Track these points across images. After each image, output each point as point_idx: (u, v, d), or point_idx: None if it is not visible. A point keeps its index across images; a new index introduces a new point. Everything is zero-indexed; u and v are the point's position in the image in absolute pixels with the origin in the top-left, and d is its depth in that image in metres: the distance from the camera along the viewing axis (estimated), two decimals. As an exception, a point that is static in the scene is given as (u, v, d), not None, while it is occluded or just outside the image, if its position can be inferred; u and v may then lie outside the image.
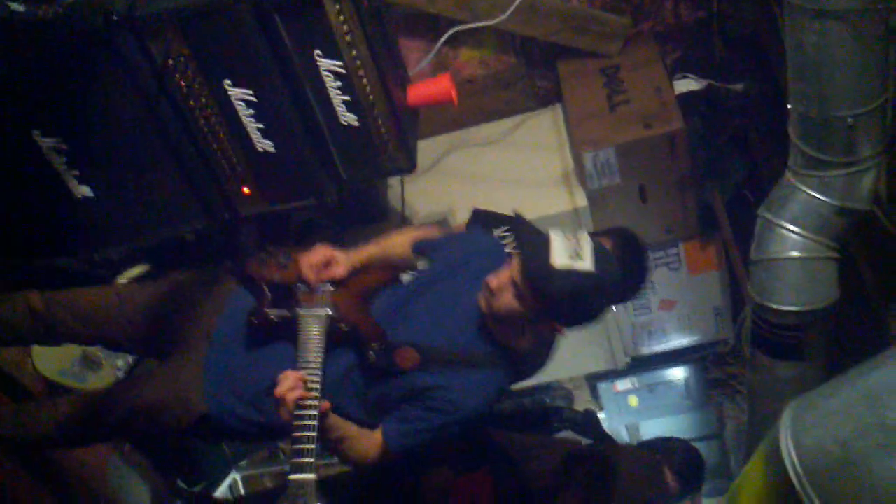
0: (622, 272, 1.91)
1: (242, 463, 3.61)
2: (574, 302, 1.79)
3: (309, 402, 1.69)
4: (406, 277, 2.17)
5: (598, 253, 1.80)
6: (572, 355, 3.80)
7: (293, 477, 1.59)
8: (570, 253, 1.76)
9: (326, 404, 1.73)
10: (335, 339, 1.90)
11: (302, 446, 1.63)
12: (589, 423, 3.02)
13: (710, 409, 4.63)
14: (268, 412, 1.89)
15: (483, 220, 2.36)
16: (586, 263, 1.76)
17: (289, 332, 1.91)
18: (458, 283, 2.02)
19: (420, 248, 2.18)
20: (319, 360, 1.81)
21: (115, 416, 2.07)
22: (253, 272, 2.05)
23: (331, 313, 1.94)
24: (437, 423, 1.90)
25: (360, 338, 1.93)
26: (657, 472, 2.39)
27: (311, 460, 1.61)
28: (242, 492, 3.64)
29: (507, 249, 2.06)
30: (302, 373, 1.73)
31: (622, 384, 4.36)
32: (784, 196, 2.45)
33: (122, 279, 2.65)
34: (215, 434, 2.11)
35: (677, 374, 4.38)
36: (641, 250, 2.28)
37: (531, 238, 1.83)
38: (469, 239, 2.19)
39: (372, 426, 1.93)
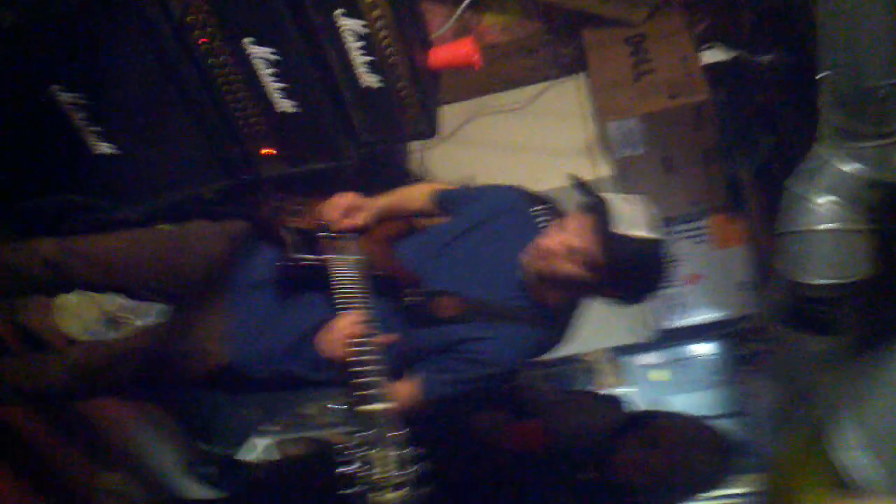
0: None
1: (267, 427, 3.63)
2: (645, 270, 1.77)
3: (367, 340, 1.65)
4: (428, 227, 2.13)
5: (659, 218, 1.79)
6: (596, 328, 3.77)
7: (362, 409, 1.48)
8: (645, 223, 1.74)
9: (393, 336, 1.71)
10: (368, 284, 1.85)
11: (365, 379, 1.55)
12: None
13: (737, 386, 4.58)
14: (299, 360, 1.88)
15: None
16: (659, 232, 1.75)
17: (317, 278, 1.85)
18: (491, 234, 1.98)
19: (441, 198, 2.13)
20: (366, 300, 1.76)
21: (132, 365, 2.05)
22: (268, 219, 2.03)
23: (359, 257, 1.90)
24: (473, 374, 1.87)
25: (394, 284, 1.88)
26: (715, 445, 2.34)
27: (378, 391, 1.53)
28: (269, 456, 3.66)
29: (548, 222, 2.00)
30: (355, 316, 1.69)
31: (647, 358, 4.33)
32: (813, 168, 2.39)
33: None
34: (236, 387, 2.05)
35: (705, 349, 4.33)
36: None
37: (598, 206, 1.77)
38: (493, 193, 2.13)
39: (399, 376, 1.87)
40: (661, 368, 4.44)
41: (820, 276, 2.46)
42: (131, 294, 2.21)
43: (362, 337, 1.65)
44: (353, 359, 1.60)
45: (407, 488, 1.37)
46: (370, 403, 1.49)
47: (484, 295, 1.90)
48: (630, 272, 1.76)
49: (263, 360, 1.94)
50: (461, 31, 3.22)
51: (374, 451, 1.40)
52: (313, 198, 2.11)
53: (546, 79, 3.46)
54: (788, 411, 3.02)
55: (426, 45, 2.61)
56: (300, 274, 1.90)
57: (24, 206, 2.42)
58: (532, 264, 1.86)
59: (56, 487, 2.58)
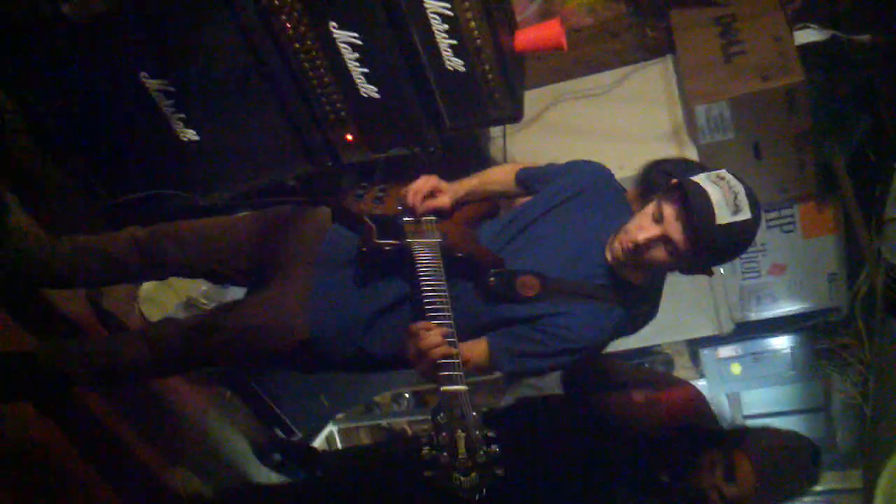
0: None
1: (340, 416, 3.63)
2: (734, 249, 1.79)
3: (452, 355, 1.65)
4: (512, 208, 2.12)
5: (749, 194, 1.74)
6: (676, 319, 3.69)
7: (446, 388, 1.54)
8: (731, 206, 1.70)
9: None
10: (449, 265, 1.85)
11: (449, 360, 1.60)
12: None
13: (816, 381, 4.45)
14: (375, 336, 1.91)
15: None
16: (746, 212, 1.71)
17: (398, 261, 1.88)
18: (574, 212, 1.96)
19: (525, 177, 2.11)
20: (445, 288, 1.76)
21: (214, 339, 2.05)
22: (350, 206, 2.02)
23: (441, 241, 1.90)
24: (551, 349, 1.84)
25: (476, 264, 1.88)
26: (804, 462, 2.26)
27: (460, 373, 1.57)
28: (339, 444, 3.67)
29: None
30: (443, 328, 1.67)
31: (725, 351, 4.22)
32: (925, 150, 2.29)
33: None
34: (313, 363, 2.06)
35: (783, 342, 4.21)
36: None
37: (691, 196, 1.72)
38: (577, 170, 2.09)
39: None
40: (739, 360, 4.33)
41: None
42: (218, 278, 2.23)
43: (449, 353, 1.64)
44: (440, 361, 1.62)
45: (486, 470, 1.40)
46: (454, 384, 1.54)
47: (566, 274, 1.89)
48: (719, 256, 1.81)
49: (341, 334, 1.95)
50: (546, 14, 3.16)
51: (457, 432, 1.43)
52: (396, 184, 2.10)
53: (632, 62, 3.39)
54: (888, 407, 2.91)
55: (512, 27, 2.56)
56: (381, 258, 1.91)
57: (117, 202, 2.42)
58: (619, 248, 1.84)
59: (127, 477, 2.58)
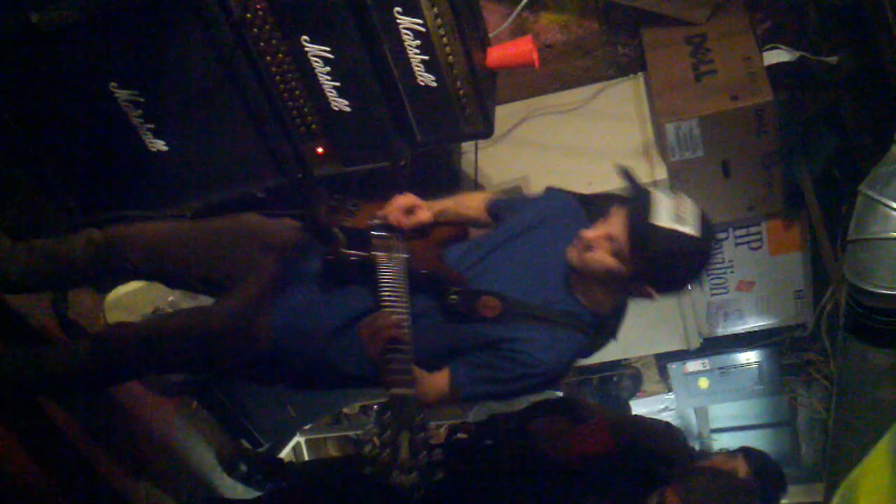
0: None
1: (307, 427, 3.61)
2: (673, 263, 1.76)
3: (403, 341, 1.71)
4: (479, 233, 2.13)
5: (702, 217, 1.76)
6: (644, 334, 3.72)
7: (395, 391, 1.60)
8: (675, 214, 1.72)
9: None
10: (413, 282, 1.87)
11: (398, 365, 1.66)
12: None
13: (782, 396, 4.51)
14: (338, 347, 1.90)
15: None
16: (689, 226, 1.72)
17: (363, 274, 1.89)
18: (538, 239, 1.98)
19: (495, 207, 2.13)
20: (405, 301, 1.79)
21: (170, 343, 2.03)
22: (322, 218, 2.01)
23: (406, 256, 1.91)
24: (511, 374, 1.85)
25: (439, 282, 1.89)
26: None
27: (409, 377, 1.64)
28: (306, 455, 3.65)
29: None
30: (398, 317, 1.74)
31: (693, 365, 4.26)
32: (890, 172, 2.31)
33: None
34: (273, 375, 2.07)
35: (750, 357, 4.26)
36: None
37: (637, 194, 1.78)
38: (547, 199, 2.14)
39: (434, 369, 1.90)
40: (707, 375, 4.37)
41: (887, 286, 2.38)
42: (178, 283, 2.21)
43: (400, 337, 1.71)
44: (389, 354, 1.69)
45: (427, 472, 1.47)
46: (402, 388, 1.61)
47: (528, 297, 1.89)
48: (660, 263, 1.76)
49: (305, 344, 1.94)
50: (518, 30, 3.17)
51: (401, 432, 1.50)
52: (369, 200, 2.11)
53: (604, 79, 3.42)
54: (849, 424, 2.94)
55: (484, 44, 2.57)
56: (347, 268, 1.92)
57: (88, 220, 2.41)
58: (576, 257, 1.85)
59: (90, 491, 2.55)
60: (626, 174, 1.87)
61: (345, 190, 2.22)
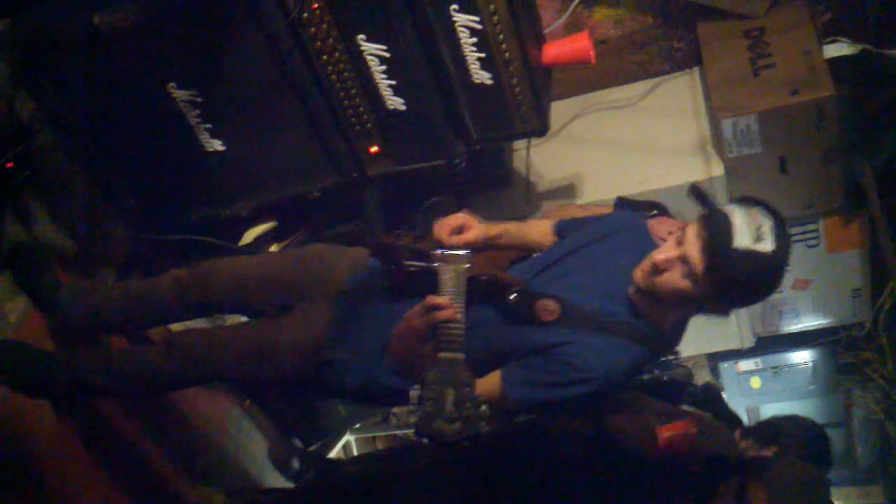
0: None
1: (357, 426, 3.63)
2: (751, 284, 1.71)
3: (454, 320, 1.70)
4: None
5: (778, 231, 1.69)
6: (697, 332, 3.64)
7: (442, 355, 1.61)
8: (753, 234, 1.67)
9: None
10: (473, 288, 1.83)
11: (447, 334, 1.65)
12: (710, 397, 2.90)
13: (836, 396, 4.42)
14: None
15: (628, 204, 2.25)
16: (768, 244, 1.67)
17: (426, 286, 1.84)
18: (601, 251, 1.95)
19: (562, 228, 2.10)
20: (462, 300, 1.76)
21: (238, 351, 2.09)
22: (388, 241, 2.03)
23: (469, 265, 1.87)
24: (563, 378, 1.81)
25: (499, 286, 1.88)
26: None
27: (460, 342, 1.64)
28: (355, 453, 3.67)
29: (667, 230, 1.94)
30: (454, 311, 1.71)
31: (745, 364, 4.20)
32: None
33: (250, 235, 2.67)
34: (331, 389, 2.11)
35: (804, 356, 4.19)
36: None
37: (712, 216, 1.72)
38: (610, 216, 2.12)
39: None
40: (760, 374, 4.30)
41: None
42: (257, 313, 2.24)
43: (451, 316, 1.70)
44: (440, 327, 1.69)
45: (471, 422, 1.49)
46: (452, 351, 1.62)
47: (587, 305, 1.86)
48: (738, 287, 1.71)
49: (360, 358, 1.96)
50: (573, 26, 3.16)
51: (446, 388, 1.52)
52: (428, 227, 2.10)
53: (658, 74, 3.38)
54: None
55: (539, 40, 2.55)
56: (409, 279, 1.91)
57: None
58: (644, 279, 1.81)
59: (144, 486, 2.60)
60: (699, 194, 1.84)
61: (411, 226, 2.23)
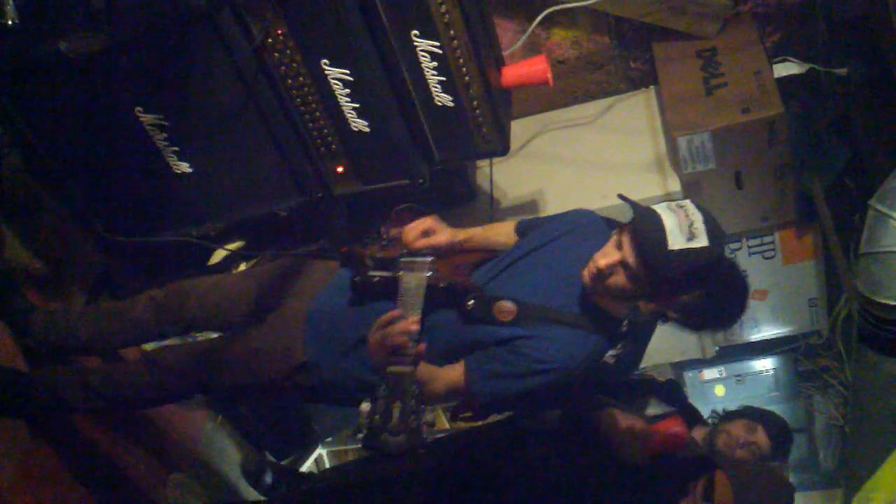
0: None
1: (328, 439, 3.67)
2: (692, 278, 1.78)
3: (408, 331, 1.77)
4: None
5: (709, 225, 1.77)
6: (660, 342, 3.72)
7: (392, 368, 1.67)
8: (686, 233, 1.74)
9: (422, 346, 1.76)
10: (433, 295, 1.92)
11: (398, 351, 1.72)
12: (673, 392, 2.99)
13: (798, 402, 4.52)
14: (360, 358, 1.96)
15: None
16: (702, 240, 1.74)
17: (391, 292, 1.94)
18: (559, 248, 2.03)
19: (523, 226, 2.19)
20: (418, 310, 1.84)
21: (214, 365, 2.15)
22: (355, 252, 2.09)
23: (430, 273, 1.96)
24: (523, 369, 1.88)
25: (457, 292, 1.95)
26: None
27: (409, 359, 1.70)
28: (328, 466, 3.70)
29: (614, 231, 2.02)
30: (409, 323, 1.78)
31: (709, 373, 4.29)
32: (899, 187, 2.35)
33: (219, 255, 2.71)
34: (309, 391, 2.14)
35: (766, 364, 4.29)
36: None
37: (643, 221, 1.79)
38: (565, 215, 2.19)
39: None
40: (723, 382, 4.39)
41: (897, 299, 2.42)
42: (229, 328, 2.29)
43: (405, 329, 1.76)
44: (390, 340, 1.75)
45: (415, 434, 1.55)
46: (401, 365, 1.68)
47: (545, 302, 1.93)
48: (675, 281, 1.78)
49: (333, 357, 2.03)
50: (531, 47, 3.21)
51: (394, 402, 1.59)
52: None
53: (615, 93, 3.45)
54: (865, 431, 2.97)
55: (499, 63, 2.61)
56: (373, 288, 2.00)
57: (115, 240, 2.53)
58: (591, 281, 1.88)
59: (122, 496, 2.63)
60: (627, 199, 1.89)
61: (377, 230, 2.29)
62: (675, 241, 1.73)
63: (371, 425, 1.56)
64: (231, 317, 2.25)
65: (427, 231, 2.07)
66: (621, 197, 1.90)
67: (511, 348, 1.90)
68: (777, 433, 2.79)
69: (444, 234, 2.09)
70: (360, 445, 3.87)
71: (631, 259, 1.79)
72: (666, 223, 1.75)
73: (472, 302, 1.92)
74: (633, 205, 1.86)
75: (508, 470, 2.37)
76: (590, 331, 1.92)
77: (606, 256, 1.84)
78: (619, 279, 1.83)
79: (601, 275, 1.84)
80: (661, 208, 1.80)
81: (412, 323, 1.77)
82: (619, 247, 1.83)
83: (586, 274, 1.88)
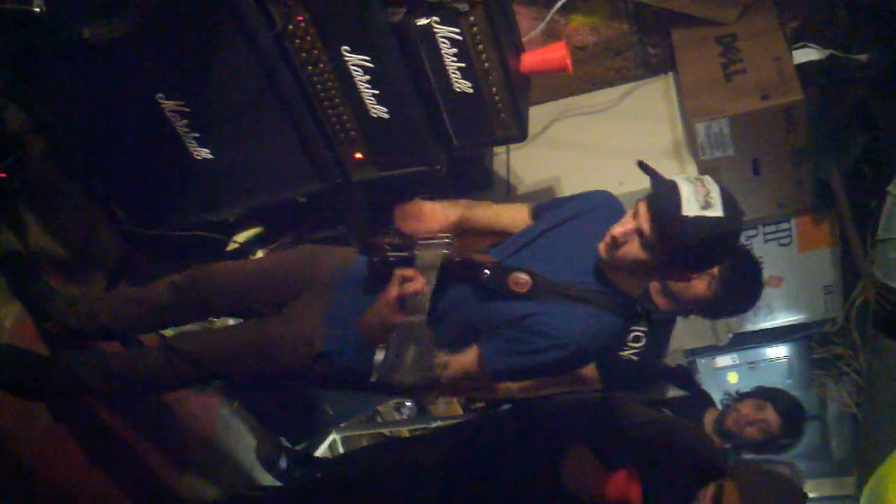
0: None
1: (343, 425, 3.69)
2: (705, 249, 1.77)
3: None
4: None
5: (726, 198, 1.77)
6: (674, 330, 3.74)
7: (406, 318, 1.77)
8: (701, 201, 1.73)
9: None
10: (448, 272, 1.94)
11: (415, 299, 1.82)
12: (683, 376, 3.01)
13: (811, 390, 4.52)
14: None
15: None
16: (717, 210, 1.73)
17: None
18: (574, 228, 2.02)
19: (537, 209, 2.17)
20: (433, 279, 1.89)
21: (232, 351, 2.17)
22: (374, 241, 2.09)
23: (446, 251, 1.98)
24: (537, 346, 1.87)
25: (473, 266, 1.96)
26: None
27: (423, 308, 1.80)
28: (342, 451, 3.72)
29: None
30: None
31: (723, 360, 4.29)
32: (917, 174, 2.34)
33: (238, 240, 2.72)
34: (325, 378, 2.14)
35: (779, 352, 4.29)
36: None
37: (659, 188, 1.79)
38: (581, 196, 2.17)
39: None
40: (736, 369, 4.39)
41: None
42: (249, 314, 2.30)
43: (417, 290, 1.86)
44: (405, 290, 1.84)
45: (428, 374, 1.67)
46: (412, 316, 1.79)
47: (560, 277, 1.93)
48: (693, 250, 1.77)
49: (349, 345, 2.03)
50: (549, 33, 3.20)
51: (408, 345, 1.70)
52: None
53: (633, 79, 3.44)
54: (879, 418, 2.97)
55: (518, 49, 2.60)
56: (390, 269, 1.97)
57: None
58: (606, 252, 1.87)
59: (137, 484, 2.66)
60: (646, 168, 1.87)
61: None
62: (690, 209, 1.72)
63: (384, 364, 1.63)
64: (250, 303, 2.25)
65: (412, 214, 2.11)
66: (640, 164, 1.88)
67: (524, 326, 1.89)
68: (787, 410, 2.80)
69: (432, 222, 2.13)
70: (372, 431, 3.94)
71: (645, 226, 1.78)
72: (682, 191, 1.75)
73: (487, 272, 1.93)
74: (652, 172, 1.85)
75: (514, 461, 2.41)
76: (604, 309, 1.91)
77: (622, 225, 1.84)
78: (632, 248, 1.81)
79: (615, 243, 1.83)
80: (679, 178, 1.80)
81: (424, 284, 1.85)
82: (635, 216, 1.82)
83: (602, 246, 1.88)
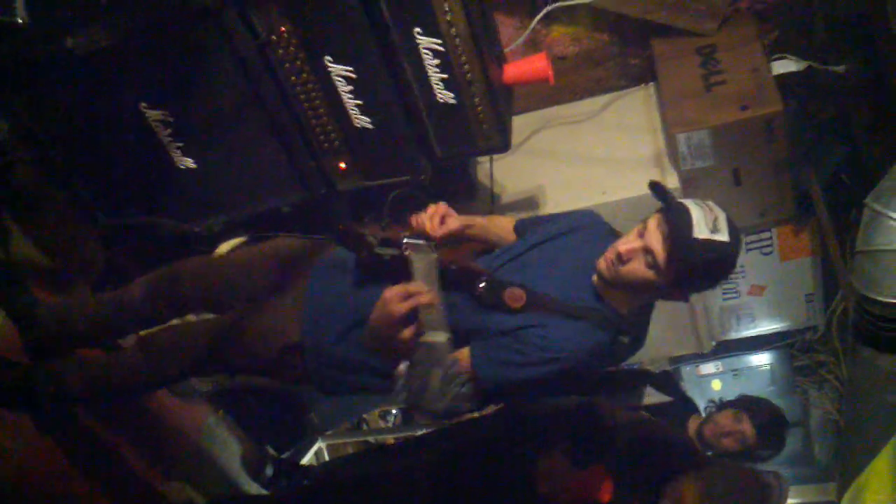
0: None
1: (328, 432, 3.69)
2: (707, 271, 1.85)
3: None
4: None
5: (730, 223, 1.84)
6: (657, 337, 3.74)
7: (426, 338, 1.73)
8: (710, 225, 1.79)
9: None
10: (444, 278, 1.93)
11: (431, 315, 1.78)
12: (666, 381, 3.03)
13: (794, 397, 4.54)
14: (359, 344, 1.96)
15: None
16: (724, 234, 1.80)
17: (396, 273, 1.92)
18: (565, 244, 2.05)
19: (521, 225, 2.20)
20: (434, 288, 1.87)
21: (207, 343, 2.16)
22: (354, 230, 2.07)
23: (436, 256, 1.97)
24: (530, 358, 1.90)
25: (468, 275, 1.97)
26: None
27: (444, 324, 1.77)
28: (327, 459, 3.73)
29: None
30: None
31: (706, 367, 4.31)
32: (894, 186, 2.37)
33: (222, 249, 2.72)
34: (301, 374, 2.13)
35: (763, 359, 4.31)
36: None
37: (673, 209, 1.83)
38: (570, 214, 2.22)
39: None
40: (720, 377, 4.41)
41: (894, 296, 2.44)
42: (224, 308, 2.29)
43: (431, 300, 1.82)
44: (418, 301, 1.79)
45: (457, 400, 1.66)
46: (434, 336, 1.76)
47: (553, 293, 1.95)
48: (698, 274, 1.85)
49: (330, 338, 2.03)
50: (531, 43, 3.22)
51: (433, 368, 1.69)
52: (398, 222, 2.16)
53: (614, 90, 3.46)
54: (859, 426, 2.99)
55: (500, 60, 2.63)
56: (379, 266, 1.98)
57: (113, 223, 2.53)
58: (608, 268, 1.91)
59: (124, 492, 2.65)
60: (658, 189, 1.91)
61: (377, 215, 2.30)
62: (701, 231, 1.78)
63: (412, 390, 1.64)
64: (225, 297, 2.25)
65: (444, 216, 2.07)
66: (653, 184, 1.91)
67: (518, 337, 1.91)
68: (764, 422, 2.82)
69: (457, 220, 2.09)
70: (358, 439, 3.94)
71: (655, 244, 1.83)
72: (693, 213, 1.80)
73: (483, 285, 1.95)
74: (665, 193, 1.89)
75: (505, 463, 2.42)
76: (596, 325, 1.94)
77: (628, 242, 1.88)
78: (637, 266, 1.86)
79: (620, 259, 1.87)
80: (688, 202, 1.86)
81: (435, 296, 1.82)
82: (642, 235, 1.86)
83: (603, 262, 1.91)
